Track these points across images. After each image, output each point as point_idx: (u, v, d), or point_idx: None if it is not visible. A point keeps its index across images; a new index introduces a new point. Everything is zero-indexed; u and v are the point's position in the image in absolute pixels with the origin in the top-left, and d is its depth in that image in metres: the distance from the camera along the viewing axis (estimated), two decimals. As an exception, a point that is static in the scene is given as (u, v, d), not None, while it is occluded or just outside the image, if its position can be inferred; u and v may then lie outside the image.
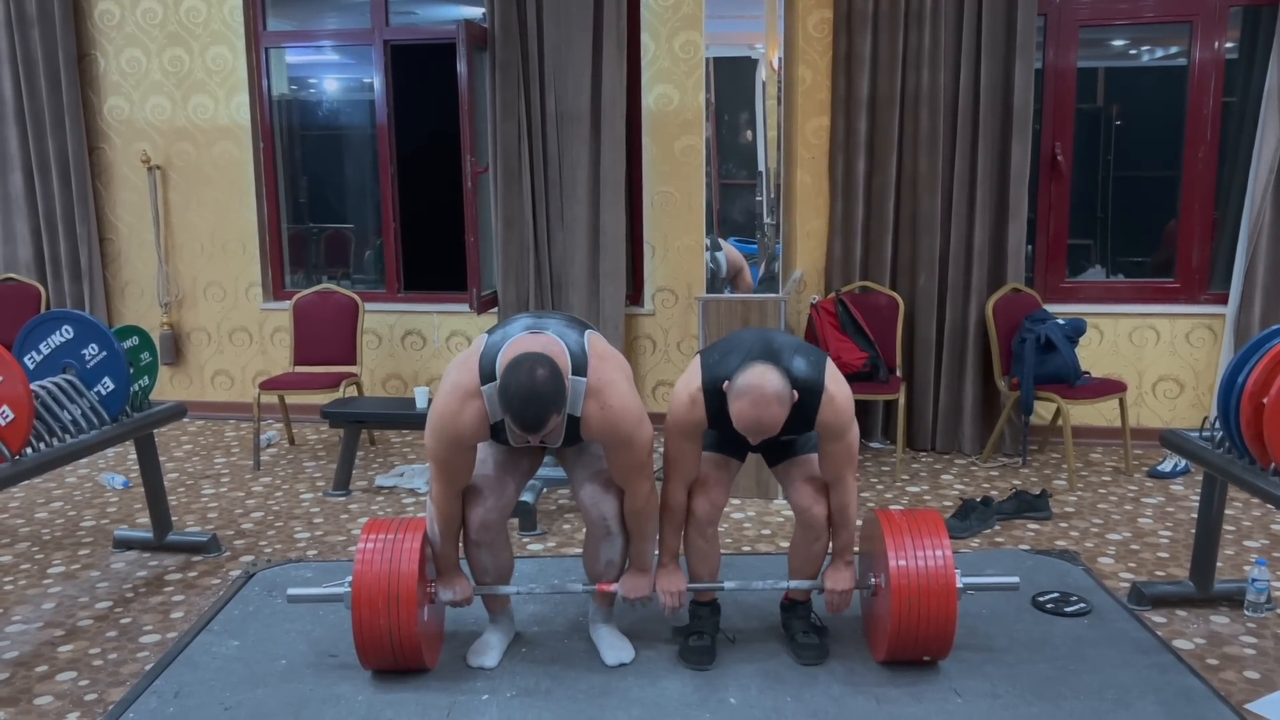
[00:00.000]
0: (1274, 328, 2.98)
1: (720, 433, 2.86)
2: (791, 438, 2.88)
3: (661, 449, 2.93)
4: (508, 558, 3.00)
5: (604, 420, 2.66)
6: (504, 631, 3.05)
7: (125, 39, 5.82)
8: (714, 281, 4.43)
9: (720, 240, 4.48)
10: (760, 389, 2.55)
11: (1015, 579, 3.00)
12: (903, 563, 2.76)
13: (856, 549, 3.19)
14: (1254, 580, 3.26)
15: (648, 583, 2.93)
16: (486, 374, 2.62)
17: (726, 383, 2.62)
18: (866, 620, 3.09)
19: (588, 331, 2.75)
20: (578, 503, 2.93)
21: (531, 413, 2.46)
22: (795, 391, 2.61)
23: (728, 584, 3.01)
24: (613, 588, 2.94)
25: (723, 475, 2.94)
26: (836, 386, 2.71)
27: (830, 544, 2.94)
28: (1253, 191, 4.89)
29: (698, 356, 2.80)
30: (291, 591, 2.98)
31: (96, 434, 3.47)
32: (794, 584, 2.99)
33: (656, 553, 2.98)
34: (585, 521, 2.92)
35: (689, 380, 2.75)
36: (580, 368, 2.65)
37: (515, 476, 2.92)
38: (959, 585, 2.77)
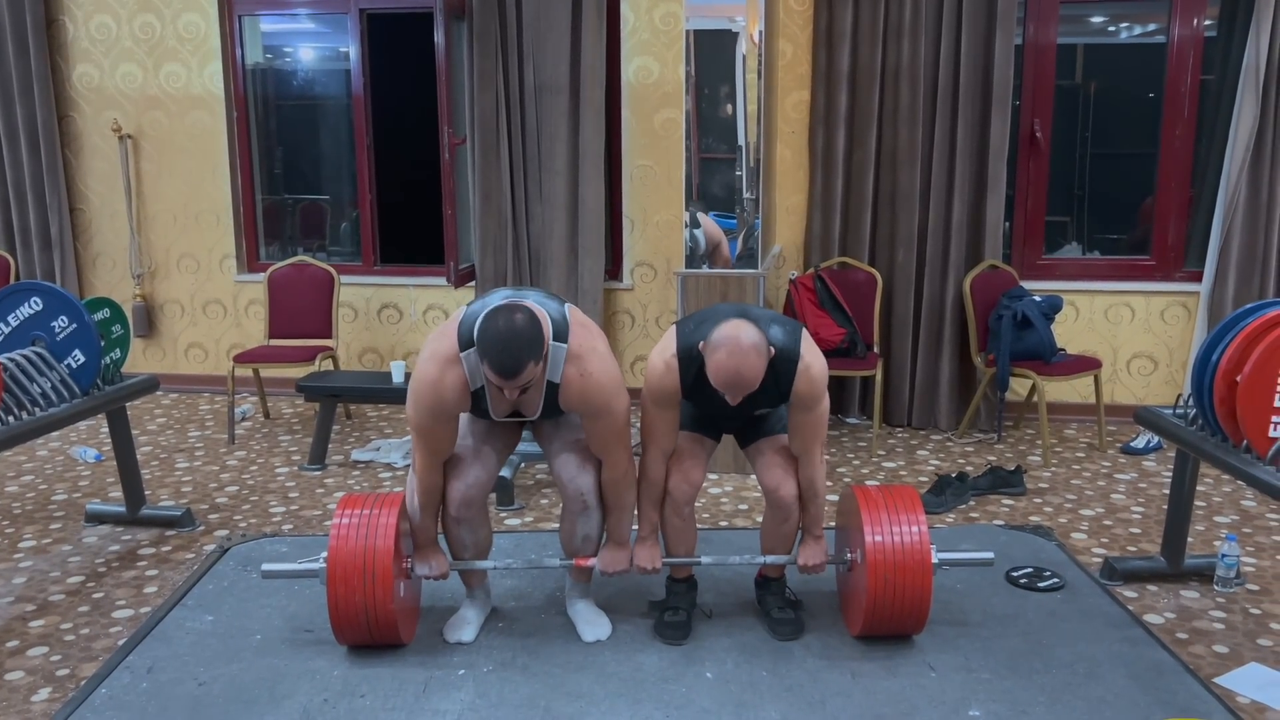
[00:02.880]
0: (1248, 306, 3.00)
1: (695, 406, 2.86)
2: (764, 411, 2.88)
3: (638, 423, 2.92)
4: (487, 534, 2.99)
5: (584, 386, 2.66)
6: (480, 606, 3.05)
7: (95, 4, 5.70)
8: (693, 258, 4.42)
9: (699, 215, 4.46)
10: (736, 339, 2.55)
11: (990, 555, 3.02)
12: (879, 538, 2.78)
13: (831, 524, 3.21)
14: (1224, 555, 3.30)
15: (625, 557, 2.94)
16: (465, 341, 2.62)
17: (702, 343, 2.62)
18: (842, 595, 3.11)
19: (567, 304, 2.77)
20: (555, 478, 2.92)
21: (509, 356, 2.44)
22: (772, 349, 2.62)
23: (704, 559, 3.01)
24: (590, 563, 2.94)
25: (699, 454, 2.94)
26: (812, 356, 2.72)
27: (800, 520, 2.95)
28: (1228, 170, 4.91)
29: (673, 326, 2.80)
30: (266, 567, 2.96)
31: (67, 407, 3.42)
32: (770, 559, 3.00)
33: (634, 526, 2.98)
34: (562, 497, 2.92)
35: (664, 348, 2.75)
36: (561, 334, 2.65)
37: (495, 453, 2.92)
38: (934, 560, 2.79)
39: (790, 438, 2.85)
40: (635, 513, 2.96)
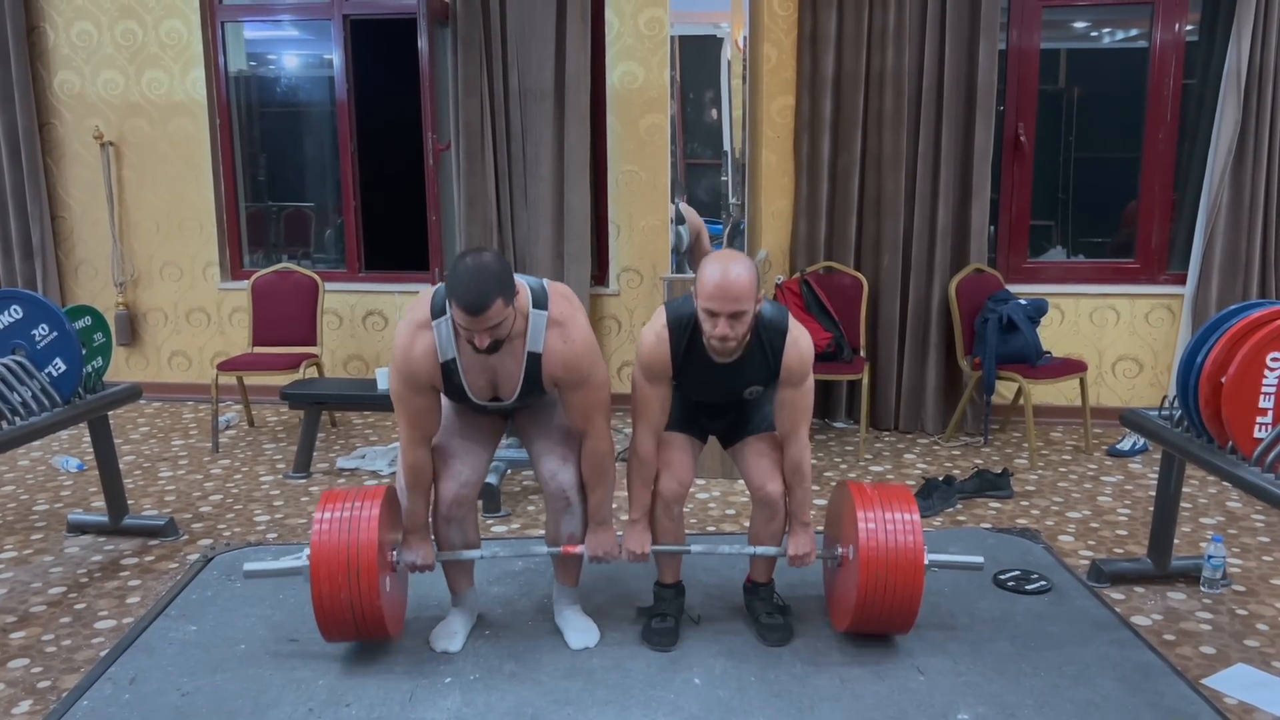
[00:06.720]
0: (1232, 308, 3.02)
1: (685, 389, 2.84)
2: (754, 391, 2.84)
3: (620, 429, 2.91)
4: (475, 536, 2.98)
5: (566, 353, 2.66)
6: (467, 614, 3.03)
7: (75, 11, 5.67)
8: (677, 253, 4.41)
9: (682, 206, 4.44)
10: (724, 252, 2.66)
11: (979, 559, 3.01)
12: (872, 525, 2.73)
13: (820, 530, 3.20)
14: (1210, 557, 3.31)
15: (611, 539, 2.91)
16: (438, 310, 2.63)
17: (693, 288, 2.64)
18: (829, 591, 3.09)
19: (546, 280, 2.78)
20: (537, 475, 2.92)
21: (475, 290, 2.43)
22: (761, 333, 2.68)
23: (694, 547, 2.99)
24: (578, 549, 2.91)
25: (686, 453, 2.93)
26: (799, 331, 2.76)
27: (787, 506, 2.91)
28: (1211, 173, 4.94)
29: (663, 306, 2.83)
30: (248, 566, 2.91)
31: (48, 416, 3.38)
32: (759, 550, 2.97)
33: (624, 515, 2.96)
34: (544, 495, 2.91)
35: (654, 321, 2.78)
36: (541, 302, 2.67)
37: (484, 449, 2.91)
38: (924, 561, 2.77)
39: (777, 417, 2.84)
40: (618, 500, 2.94)
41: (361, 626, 2.75)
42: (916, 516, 2.79)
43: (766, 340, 2.71)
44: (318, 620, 2.74)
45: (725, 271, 2.57)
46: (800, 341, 2.74)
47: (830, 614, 3.03)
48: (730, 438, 3.01)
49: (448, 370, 2.68)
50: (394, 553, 2.87)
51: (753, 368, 2.74)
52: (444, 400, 2.86)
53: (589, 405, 2.75)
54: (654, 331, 2.75)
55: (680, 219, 4.41)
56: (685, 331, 2.71)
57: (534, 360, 2.67)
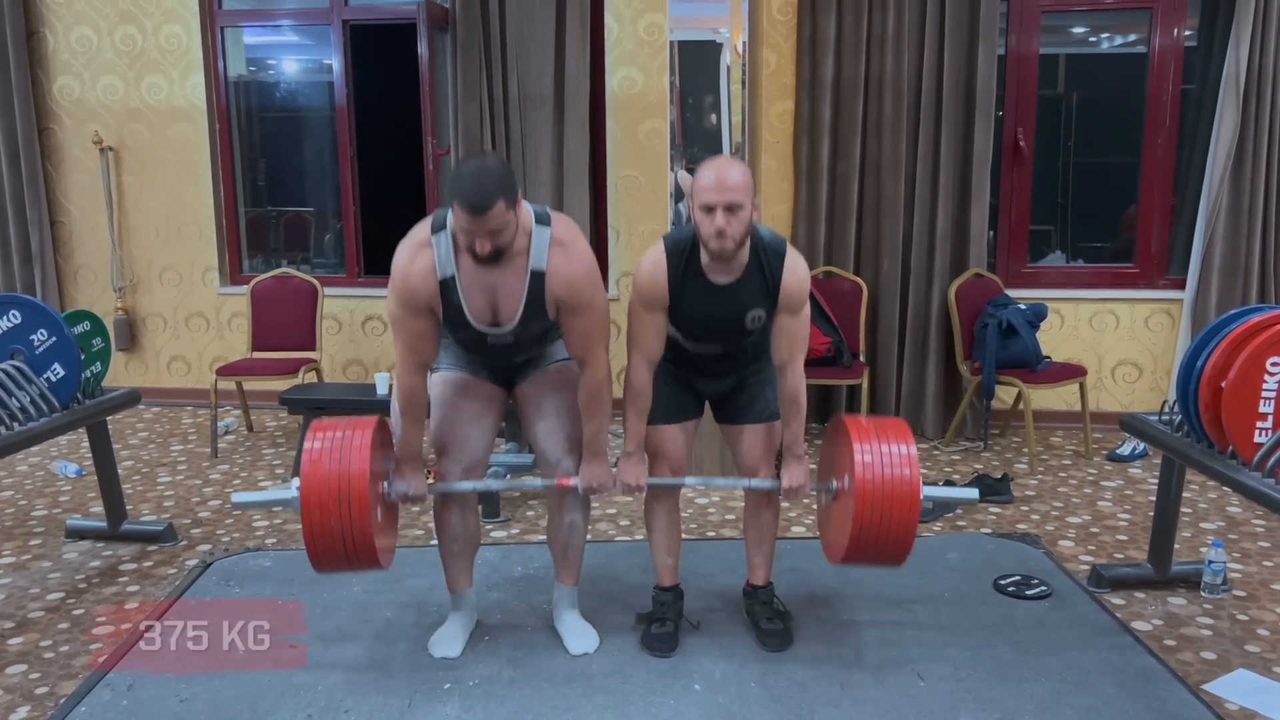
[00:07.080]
0: (1232, 312, 3.02)
1: (681, 312, 2.76)
2: (756, 317, 2.77)
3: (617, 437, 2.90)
4: (475, 522, 2.98)
5: (570, 273, 2.63)
6: (466, 619, 3.02)
7: (75, 16, 5.67)
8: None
9: (681, 174, 4.41)
10: (719, 155, 2.67)
11: (974, 492, 2.96)
12: (868, 457, 2.67)
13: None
14: (1210, 562, 3.31)
15: (606, 471, 2.85)
16: (439, 225, 2.63)
17: (687, 216, 2.66)
18: (824, 527, 3.02)
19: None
20: (538, 454, 2.90)
21: (476, 191, 2.42)
22: (760, 254, 2.67)
23: (689, 479, 2.97)
24: (572, 482, 2.85)
25: (679, 443, 2.91)
26: (796, 257, 2.75)
27: (783, 438, 2.89)
28: (1210, 177, 4.94)
29: (661, 237, 2.82)
30: (237, 498, 2.86)
31: (47, 421, 3.38)
32: (754, 483, 2.91)
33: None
34: (546, 478, 2.89)
35: (652, 250, 2.75)
36: (544, 220, 2.65)
37: (484, 432, 2.88)
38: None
39: (775, 346, 2.79)
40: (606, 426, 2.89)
41: (352, 556, 2.65)
42: (913, 449, 2.71)
43: (765, 261, 2.69)
44: (308, 551, 2.65)
45: (720, 166, 2.60)
46: (798, 267, 2.73)
47: (825, 549, 2.96)
48: (729, 412, 2.95)
49: (446, 289, 2.63)
50: (385, 485, 2.78)
51: (752, 290, 2.70)
52: (444, 383, 2.84)
53: (590, 330, 2.71)
54: (651, 259, 2.73)
55: (680, 194, 4.36)
56: (683, 256, 2.69)
57: (537, 279, 2.63)
